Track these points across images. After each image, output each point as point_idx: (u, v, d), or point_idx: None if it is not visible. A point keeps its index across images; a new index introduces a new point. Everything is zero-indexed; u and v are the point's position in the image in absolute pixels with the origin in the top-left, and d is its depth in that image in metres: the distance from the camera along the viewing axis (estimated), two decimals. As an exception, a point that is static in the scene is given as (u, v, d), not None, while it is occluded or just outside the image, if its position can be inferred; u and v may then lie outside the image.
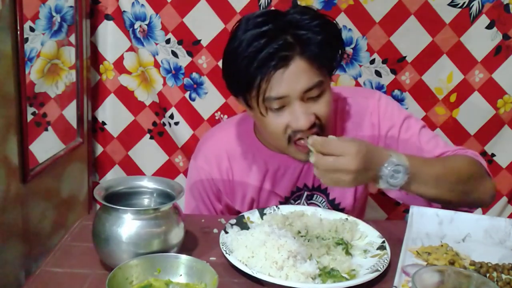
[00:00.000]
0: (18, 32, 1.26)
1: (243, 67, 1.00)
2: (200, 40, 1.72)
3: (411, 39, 1.67)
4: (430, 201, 1.10)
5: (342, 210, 1.21)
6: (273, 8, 1.08)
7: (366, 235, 1.03)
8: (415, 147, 1.15)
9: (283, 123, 1.05)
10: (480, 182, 1.10)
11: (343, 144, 0.93)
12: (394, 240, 0.99)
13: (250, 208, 1.26)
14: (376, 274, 0.88)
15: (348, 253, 0.96)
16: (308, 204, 1.25)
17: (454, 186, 1.05)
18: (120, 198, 0.96)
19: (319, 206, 1.25)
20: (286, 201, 1.25)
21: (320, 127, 1.06)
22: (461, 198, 1.08)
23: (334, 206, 1.24)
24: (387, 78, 1.71)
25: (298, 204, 1.25)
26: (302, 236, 1.01)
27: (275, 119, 1.05)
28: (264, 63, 0.98)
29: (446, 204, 1.09)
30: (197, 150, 1.29)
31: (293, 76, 1.00)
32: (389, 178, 0.96)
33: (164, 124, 1.83)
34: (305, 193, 1.25)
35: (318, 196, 1.25)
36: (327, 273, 0.89)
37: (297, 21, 1.02)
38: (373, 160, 0.95)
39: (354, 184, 0.95)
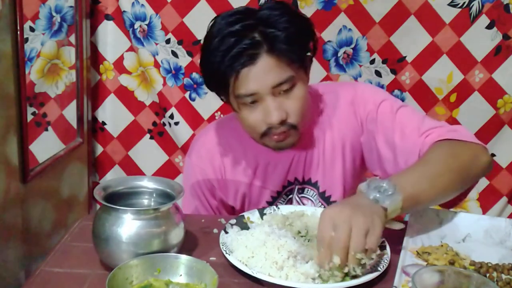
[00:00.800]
0: (18, 32, 1.26)
1: (216, 65, 1.04)
2: (200, 40, 1.72)
3: (411, 39, 1.67)
4: (443, 202, 1.05)
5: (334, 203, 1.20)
6: (246, 6, 1.11)
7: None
8: (395, 126, 1.13)
9: (257, 118, 1.09)
10: (469, 155, 1.04)
11: (319, 228, 0.87)
12: (394, 240, 0.99)
13: (243, 203, 1.27)
14: (376, 274, 0.88)
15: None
16: (299, 198, 1.25)
17: (448, 174, 0.99)
18: (120, 198, 0.96)
19: (311, 200, 1.25)
20: (278, 195, 1.25)
21: (292, 123, 1.09)
22: (463, 181, 1.02)
23: (325, 199, 1.24)
24: (387, 78, 1.71)
25: (290, 198, 1.26)
26: (302, 236, 1.01)
27: (249, 115, 1.09)
28: (233, 62, 1.02)
29: (455, 194, 1.03)
30: (190, 148, 1.31)
31: (261, 73, 1.03)
32: (379, 192, 0.90)
33: (164, 124, 1.83)
34: (296, 187, 1.25)
35: (309, 189, 1.25)
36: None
37: (266, 17, 1.04)
38: (351, 200, 0.92)
39: (377, 221, 0.86)
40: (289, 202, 1.26)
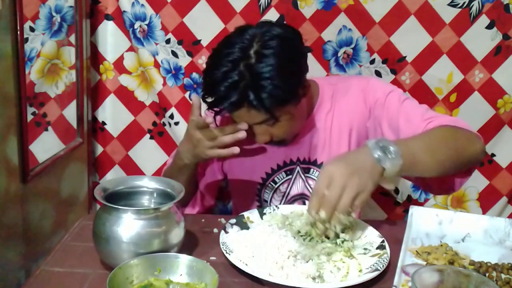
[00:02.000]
0: (18, 32, 1.26)
1: (211, 102, 1.15)
2: (200, 40, 1.72)
3: (411, 39, 1.67)
4: (433, 176, 1.12)
5: None
6: (245, 33, 1.13)
7: (366, 235, 1.03)
8: (400, 113, 1.20)
9: (248, 132, 1.17)
10: (466, 139, 1.12)
11: (317, 180, 0.98)
12: (394, 240, 0.99)
13: (239, 172, 1.34)
14: (376, 273, 0.88)
15: (350, 254, 0.96)
16: (305, 178, 1.31)
17: (445, 150, 1.07)
18: (120, 198, 0.97)
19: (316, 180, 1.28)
20: (278, 169, 1.31)
21: (278, 140, 1.21)
22: (457, 160, 1.10)
23: None
24: (387, 78, 1.71)
25: (289, 178, 1.31)
26: (301, 236, 1.01)
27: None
28: (223, 106, 1.13)
29: (450, 170, 1.11)
30: None
31: (242, 117, 1.14)
32: (384, 153, 0.97)
33: (164, 124, 1.83)
34: (298, 167, 1.31)
35: (315, 170, 1.31)
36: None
37: (256, 74, 1.08)
38: (354, 156, 1.00)
39: (370, 184, 0.96)
40: (288, 182, 1.31)
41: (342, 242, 0.99)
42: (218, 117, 1.29)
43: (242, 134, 1.14)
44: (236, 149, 1.13)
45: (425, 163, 1.04)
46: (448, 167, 1.09)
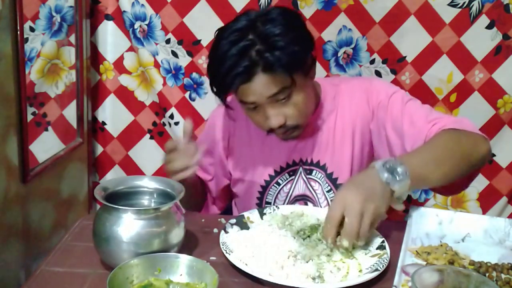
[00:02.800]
0: (18, 32, 1.26)
1: (219, 80, 1.15)
2: (200, 40, 1.72)
3: (411, 39, 1.67)
4: (446, 185, 1.11)
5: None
6: (247, 16, 1.14)
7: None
8: (404, 115, 1.20)
9: (259, 120, 1.19)
10: (471, 142, 1.12)
11: (331, 206, 0.97)
12: (394, 240, 0.99)
13: (243, 172, 1.33)
14: (376, 273, 0.88)
15: (351, 254, 0.96)
16: (307, 179, 1.30)
17: (452, 159, 1.07)
18: (120, 198, 0.96)
19: (318, 182, 1.29)
20: (281, 171, 1.30)
21: (292, 125, 1.18)
22: (464, 166, 1.09)
23: (332, 180, 1.28)
24: (387, 78, 1.71)
25: (292, 179, 1.30)
26: (301, 236, 1.01)
27: (253, 116, 1.19)
28: (233, 80, 1.11)
29: (457, 178, 1.10)
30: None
31: (256, 88, 1.11)
32: (391, 174, 0.97)
33: (164, 124, 1.83)
34: (301, 168, 1.30)
35: (317, 172, 1.30)
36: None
37: (265, 36, 1.10)
38: (364, 180, 0.98)
39: (383, 208, 0.96)
40: (291, 182, 1.29)
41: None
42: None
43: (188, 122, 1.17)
44: (188, 172, 1.12)
45: (432, 176, 1.04)
46: (455, 175, 1.08)
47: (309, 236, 1.01)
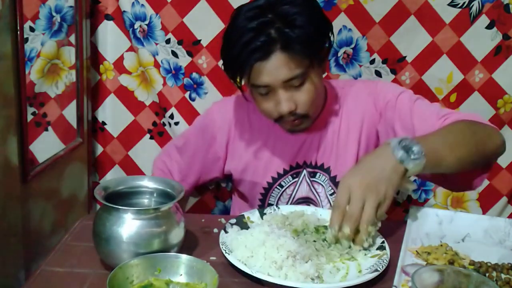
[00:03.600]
0: (18, 32, 1.26)
1: (234, 57, 1.11)
2: (200, 40, 1.72)
3: (411, 39, 1.67)
4: (454, 172, 1.10)
5: None
6: None
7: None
8: (414, 112, 1.19)
9: (269, 108, 1.17)
10: (485, 133, 1.11)
11: (337, 195, 0.96)
12: (394, 240, 0.99)
13: (245, 172, 1.32)
14: (376, 274, 0.88)
15: (351, 256, 0.96)
16: (311, 182, 1.29)
17: (466, 145, 1.05)
18: (120, 198, 0.96)
19: (322, 185, 1.29)
20: (284, 174, 1.30)
21: (302, 113, 1.16)
22: (479, 154, 1.08)
23: (336, 184, 1.27)
24: (387, 78, 1.71)
25: (296, 181, 1.29)
26: (299, 234, 1.01)
27: (263, 102, 1.17)
28: (249, 56, 1.08)
29: (470, 166, 1.09)
30: (218, 102, 1.45)
31: (273, 68, 1.09)
32: (406, 152, 0.95)
33: (164, 124, 1.83)
34: (305, 171, 1.29)
35: (321, 174, 1.29)
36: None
37: (285, 14, 1.08)
38: (373, 161, 0.97)
39: (390, 191, 0.94)
40: (294, 184, 1.29)
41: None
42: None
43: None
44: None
45: (446, 160, 1.02)
46: (469, 162, 1.07)
47: (309, 233, 1.01)
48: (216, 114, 1.36)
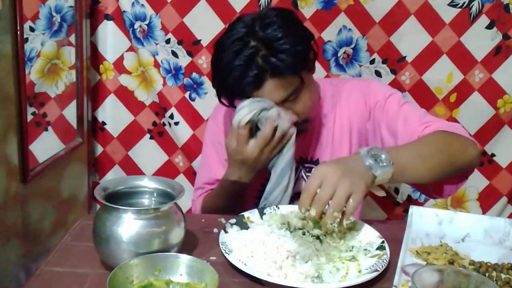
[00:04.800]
0: (18, 32, 1.26)
1: (227, 91, 1.17)
2: (200, 40, 1.72)
3: (411, 39, 1.67)
4: (425, 183, 1.14)
5: None
6: (245, 22, 1.16)
7: (366, 235, 1.03)
8: (399, 116, 1.22)
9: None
10: (460, 145, 1.13)
11: (309, 179, 0.97)
12: (393, 240, 0.99)
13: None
14: (376, 274, 0.88)
15: (352, 257, 0.96)
16: (306, 177, 1.31)
17: (438, 157, 1.08)
18: (120, 198, 0.96)
19: None
20: None
21: (302, 121, 1.19)
22: (452, 166, 1.11)
23: None
24: (387, 78, 1.72)
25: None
26: (298, 232, 1.01)
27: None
28: (243, 89, 1.13)
29: (442, 177, 1.12)
30: (211, 114, 1.46)
31: (267, 94, 1.13)
32: (375, 161, 0.98)
33: (164, 124, 1.83)
34: (301, 166, 1.31)
35: None
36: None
37: (268, 41, 1.11)
38: (347, 161, 1.01)
39: (362, 185, 0.95)
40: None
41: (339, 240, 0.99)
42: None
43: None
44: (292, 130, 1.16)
45: (416, 170, 1.05)
46: (441, 173, 1.10)
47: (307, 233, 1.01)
48: (220, 124, 1.38)
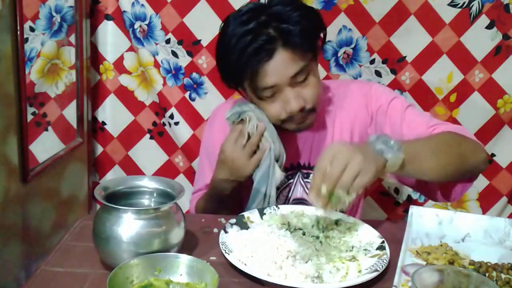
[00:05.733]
0: (18, 32, 1.26)
1: (234, 62, 1.10)
2: (200, 40, 1.72)
3: (411, 39, 1.67)
4: (435, 180, 1.12)
5: None
6: (255, 2, 1.16)
7: (366, 235, 1.03)
8: (404, 120, 1.20)
9: (276, 109, 1.15)
10: (470, 147, 1.12)
11: (321, 157, 0.95)
12: (394, 240, 0.99)
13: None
14: (376, 274, 0.88)
15: (352, 257, 0.96)
16: (305, 183, 1.29)
17: (449, 154, 1.06)
18: (120, 198, 0.96)
19: None
20: None
21: (310, 109, 1.16)
22: (461, 166, 1.09)
23: None
24: (387, 78, 1.72)
25: (290, 183, 1.30)
26: (298, 232, 1.01)
27: (270, 105, 1.16)
28: (252, 58, 1.08)
29: (451, 176, 1.10)
30: (209, 118, 1.43)
31: (279, 66, 1.09)
32: (385, 145, 0.97)
33: (164, 124, 1.83)
34: (299, 172, 1.30)
35: None
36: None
37: (278, 13, 1.10)
38: (359, 146, 0.99)
39: (373, 168, 0.93)
40: (289, 186, 1.30)
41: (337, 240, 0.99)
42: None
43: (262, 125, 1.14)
44: (261, 125, 1.13)
45: (427, 164, 1.03)
46: (451, 172, 1.08)
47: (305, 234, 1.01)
48: (215, 133, 1.34)
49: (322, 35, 1.18)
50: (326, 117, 1.28)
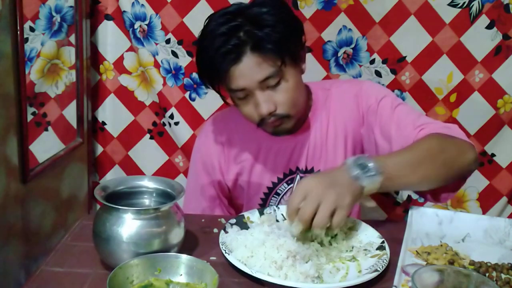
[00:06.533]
0: (18, 32, 1.26)
1: (207, 62, 1.13)
2: (200, 40, 1.72)
3: (411, 39, 1.67)
4: (422, 191, 1.12)
5: None
6: (239, 3, 1.16)
7: (366, 235, 1.03)
8: (393, 120, 1.19)
9: (249, 111, 1.17)
10: (456, 150, 1.09)
11: (292, 194, 0.96)
12: (394, 240, 0.99)
13: (243, 187, 1.32)
14: (376, 274, 0.88)
15: (352, 257, 0.96)
16: None
17: (431, 165, 1.05)
18: (120, 198, 0.96)
19: None
20: (278, 182, 1.29)
21: (282, 114, 1.15)
22: (446, 173, 1.07)
23: None
24: (387, 78, 1.72)
25: (291, 188, 1.29)
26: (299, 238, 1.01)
27: (243, 106, 1.17)
28: (222, 60, 1.10)
29: (437, 184, 1.08)
30: (201, 129, 1.43)
31: (246, 70, 1.10)
32: (362, 170, 0.96)
33: (164, 124, 1.83)
34: (298, 176, 1.29)
35: None
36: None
37: (254, 16, 1.10)
38: (332, 173, 0.99)
39: (348, 199, 0.94)
40: (289, 190, 1.30)
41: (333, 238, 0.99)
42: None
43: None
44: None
45: (406, 178, 1.03)
46: (435, 180, 1.07)
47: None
48: (208, 144, 1.33)
49: (303, 39, 1.18)
50: (319, 119, 1.28)
